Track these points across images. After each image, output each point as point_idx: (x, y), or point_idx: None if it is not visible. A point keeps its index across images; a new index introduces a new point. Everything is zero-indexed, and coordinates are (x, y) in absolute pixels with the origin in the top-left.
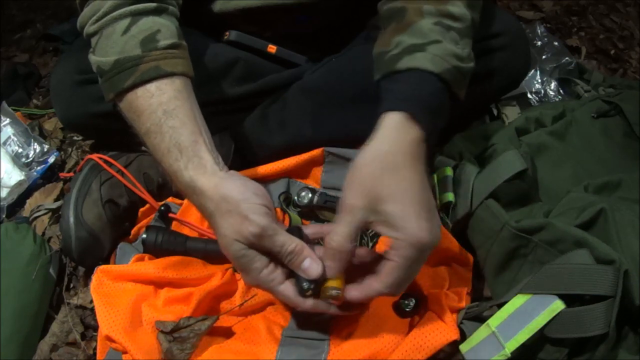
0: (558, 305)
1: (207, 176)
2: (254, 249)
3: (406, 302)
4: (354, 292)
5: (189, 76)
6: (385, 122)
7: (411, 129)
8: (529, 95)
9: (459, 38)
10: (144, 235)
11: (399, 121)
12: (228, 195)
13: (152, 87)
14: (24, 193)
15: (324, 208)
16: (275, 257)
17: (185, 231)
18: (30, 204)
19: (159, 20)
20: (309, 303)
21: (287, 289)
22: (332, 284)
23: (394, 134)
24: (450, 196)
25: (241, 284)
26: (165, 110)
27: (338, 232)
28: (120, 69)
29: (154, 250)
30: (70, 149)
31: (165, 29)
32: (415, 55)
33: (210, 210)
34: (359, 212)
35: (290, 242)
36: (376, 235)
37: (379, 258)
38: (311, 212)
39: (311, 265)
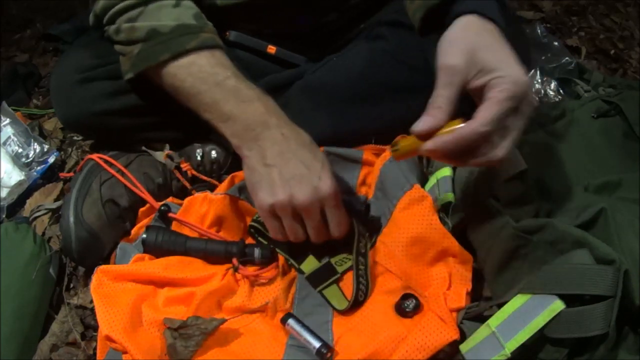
0: (558, 305)
1: None
2: None
3: (406, 302)
4: (446, 137)
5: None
6: (459, 20)
7: (490, 24)
8: None
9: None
10: (144, 235)
11: (473, 18)
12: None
13: (217, 52)
14: (24, 193)
15: None
16: None
17: (185, 231)
18: (30, 204)
19: (196, 6)
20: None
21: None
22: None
23: (474, 20)
24: (450, 196)
25: (242, 285)
26: (233, 69)
27: (440, 94)
28: (182, 32)
29: (154, 250)
30: (70, 149)
31: (202, 13)
32: None
33: (306, 137)
34: (458, 70)
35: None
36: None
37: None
38: None
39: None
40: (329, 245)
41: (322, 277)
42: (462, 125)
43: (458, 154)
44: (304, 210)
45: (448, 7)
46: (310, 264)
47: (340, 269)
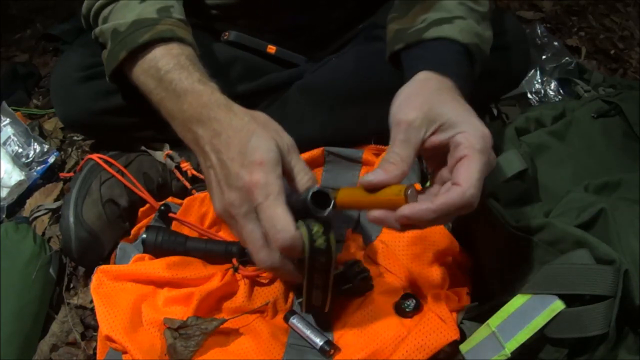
0: (558, 305)
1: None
2: None
3: (406, 302)
4: (426, 204)
5: (196, 51)
6: (418, 75)
7: (448, 80)
8: (529, 95)
9: (481, 20)
10: (144, 235)
11: (431, 75)
12: (259, 114)
13: (172, 44)
14: (24, 193)
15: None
16: None
17: (185, 231)
18: (30, 204)
19: (171, 0)
20: (295, 232)
21: (286, 208)
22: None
23: (429, 79)
24: None
25: (242, 285)
26: (188, 56)
27: (396, 152)
28: (137, 27)
29: (154, 250)
30: (70, 149)
31: (177, 7)
32: (443, 27)
33: (242, 116)
34: (416, 127)
35: (308, 171)
36: (364, 272)
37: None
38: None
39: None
40: None
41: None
42: (444, 192)
43: (432, 221)
44: (237, 216)
45: (409, 54)
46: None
47: None
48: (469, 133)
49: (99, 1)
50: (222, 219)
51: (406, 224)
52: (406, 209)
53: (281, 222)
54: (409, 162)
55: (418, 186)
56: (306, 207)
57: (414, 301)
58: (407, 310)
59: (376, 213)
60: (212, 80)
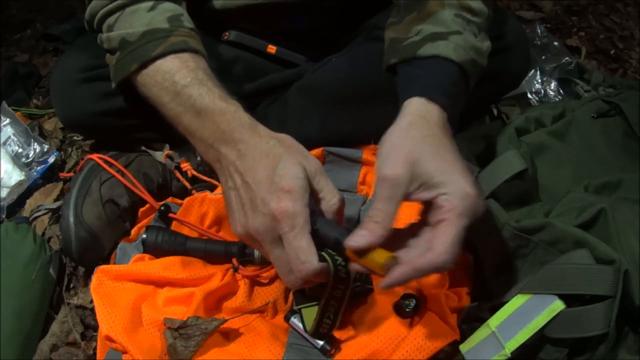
0: (558, 305)
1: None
2: None
3: (406, 302)
4: (400, 268)
5: (209, 63)
6: (410, 106)
7: (437, 111)
8: (529, 95)
9: (478, 32)
10: (144, 235)
11: (424, 104)
12: (285, 137)
13: (185, 55)
14: (24, 193)
15: None
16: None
17: (185, 231)
18: (30, 204)
19: (179, 7)
20: (317, 266)
21: (311, 239)
22: (378, 256)
23: (422, 113)
24: None
25: (242, 285)
26: (204, 70)
27: (379, 209)
28: (149, 39)
29: (154, 250)
30: (70, 149)
31: (186, 15)
32: (438, 43)
33: (267, 139)
34: (400, 183)
35: (337, 193)
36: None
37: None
38: None
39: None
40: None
41: (307, 297)
42: (417, 256)
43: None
44: (263, 241)
45: (403, 71)
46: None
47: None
48: (451, 195)
49: (105, 7)
50: (242, 239)
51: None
52: (385, 282)
53: (305, 254)
54: (392, 218)
55: None
56: (328, 239)
57: (414, 301)
58: (407, 310)
59: (386, 283)
60: (232, 97)
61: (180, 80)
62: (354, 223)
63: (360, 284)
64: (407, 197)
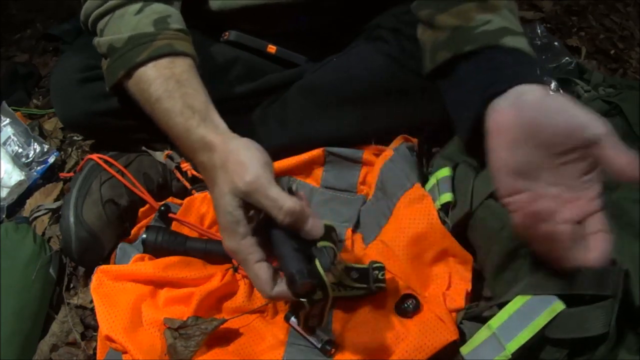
0: (558, 305)
1: (218, 133)
2: (245, 209)
3: (406, 302)
4: None
5: (196, 61)
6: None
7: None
8: None
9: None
10: (144, 235)
11: (534, 89)
12: (234, 147)
13: (164, 61)
14: (24, 193)
15: None
16: (262, 235)
17: (185, 231)
18: (30, 204)
19: (169, 7)
20: (276, 290)
21: (262, 268)
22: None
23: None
24: (449, 196)
25: (242, 285)
26: (178, 80)
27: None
28: (134, 44)
29: (154, 250)
30: (70, 149)
31: (175, 15)
32: (518, 38)
33: (216, 164)
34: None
35: (286, 200)
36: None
37: None
38: None
39: (314, 224)
40: None
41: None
42: None
43: None
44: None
45: (487, 58)
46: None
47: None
48: None
49: (95, 10)
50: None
51: None
52: None
53: (259, 284)
54: None
55: None
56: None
57: (414, 301)
58: (407, 310)
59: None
60: (190, 106)
61: (154, 93)
62: (355, 221)
63: (368, 287)
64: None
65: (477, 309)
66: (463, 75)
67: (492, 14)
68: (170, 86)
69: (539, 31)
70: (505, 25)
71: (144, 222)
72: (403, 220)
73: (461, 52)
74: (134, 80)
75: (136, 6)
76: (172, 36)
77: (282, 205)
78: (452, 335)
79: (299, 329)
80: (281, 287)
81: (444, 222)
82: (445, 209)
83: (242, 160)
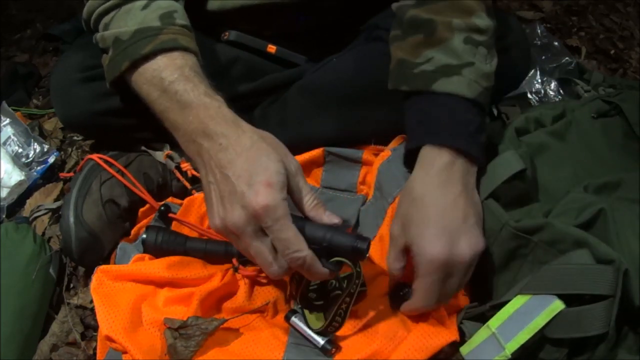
0: (558, 305)
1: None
2: None
3: (402, 290)
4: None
5: (199, 59)
6: (428, 156)
7: (446, 156)
8: (529, 95)
9: (487, 52)
10: (144, 235)
11: (435, 154)
12: (268, 135)
13: (172, 54)
14: (24, 193)
15: None
16: None
17: (185, 231)
18: (30, 204)
19: (174, 3)
20: (309, 252)
21: (296, 229)
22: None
23: (442, 166)
24: None
25: (242, 285)
26: (192, 67)
27: (390, 255)
28: (140, 37)
29: (154, 250)
30: (70, 149)
31: (180, 11)
32: (452, 80)
33: (250, 141)
34: (397, 239)
35: (313, 193)
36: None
37: None
38: None
39: (333, 215)
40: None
41: (310, 299)
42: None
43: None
44: (242, 234)
45: (417, 104)
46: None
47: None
48: (420, 257)
49: (100, 6)
50: (219, 233)
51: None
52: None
53: (294, 244)
54: (397, 261)
55: None
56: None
57: (409, 290)
58: (403, 298)
59: None
60: (218, 93)
61: (167, 76)
62: (355, 221)
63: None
64: (408, 250)
65: (477, 309)
66: (403, 107)
67: (434, 50)
68: (187, 72)
69: (539, 31)
70: (443, 64)
71: (144, 222)
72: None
73: (397, 87)
74: (139, 70)
75: (142, 2)
76: (177, 31)
77: (313, 193)
78: (452, 336)
79: (299, 328)
80: (310, 252)
81: None
82: None
83: (284, 149)
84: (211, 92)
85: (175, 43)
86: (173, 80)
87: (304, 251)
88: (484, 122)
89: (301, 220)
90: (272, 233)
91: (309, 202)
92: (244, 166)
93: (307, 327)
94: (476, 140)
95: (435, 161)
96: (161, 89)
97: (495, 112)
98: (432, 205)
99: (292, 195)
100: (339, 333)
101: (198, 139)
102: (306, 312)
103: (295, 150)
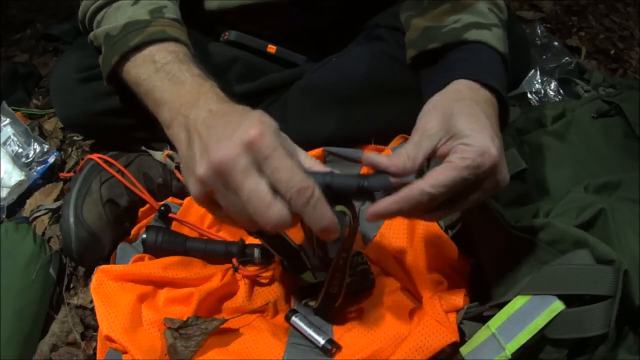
0: (558, 305)
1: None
2: None
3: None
4: (387, 198)
5: (190, 50)
6: (457, 85)
7: (487, 94)
8: (529, 95)
9: (505, 30)
10: (144, 235)
11: (471, 85)
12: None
13: (163, 45)
14: (24, 193)
15: None
16: None
17: (185, 231)
18: (30, 204)
19: (165, 0)
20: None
21: (299, 163)
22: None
23: (470, 93)
24: None
25: (242, 285)
26: (185, 54)
27: (406, 149)
28: (129, 30)
29: (154, 250)
30: (70, 149)
31: (171, 7)
32: (482, 32)
33: (240, 108)
34: (430, 135)
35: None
36: (364, 263)
37: None
38: None
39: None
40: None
41: (311, 293)
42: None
43: (397, 213)
44: (232, 172)
45: (449, 55)
46: (308, 276)
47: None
48: (469, 146)
49: (92, 5)
50: (200, 193)
51: (376, 218)
52: (371, 210)
53: (299, 174)
54: (414, 162)
55: None
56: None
57: (362, 257)
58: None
59: (374, 209)
60: (211, 78)
61: (161, 59)
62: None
63: (354, 275)
64: (435, 151)
65: (477, 309)
66: (427, 72)
67: (461, 13)
68: (181, 57)
69: (539, 31)
70: (472, 21)
71: (144, 222)
72: (399, 221)
73: (425, 49)
74: (130, 60)
75: None
76: (166, 24)
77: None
78: (452, 336)
79: (300, 328)
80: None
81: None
82: None
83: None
84: (205, 75)
85: (164, 34)
86: (167, 61)
87: (310, 183)
88: (507, 83)
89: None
90: (271, 164)
91: (303, 158)
92: (234, 119)
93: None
94: (504, 89)
95: (481, 92)
96: (153, 70)
97: None
98: (482, 112)
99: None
100: (339, 333)
101: (186, 111)
102: (306, 273)
103: None
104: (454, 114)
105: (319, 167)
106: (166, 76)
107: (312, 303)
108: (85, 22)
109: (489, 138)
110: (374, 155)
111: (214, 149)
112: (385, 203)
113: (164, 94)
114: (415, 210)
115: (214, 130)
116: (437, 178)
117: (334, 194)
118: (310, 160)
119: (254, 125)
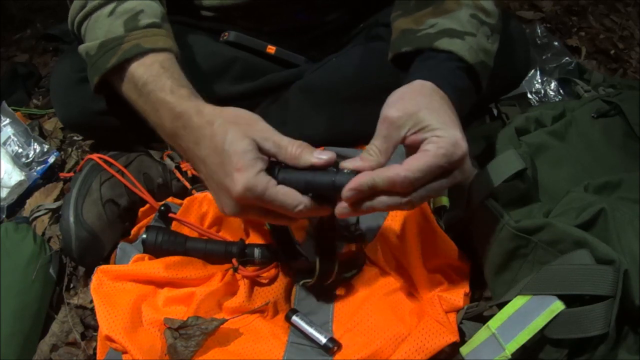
0: (558, 306)
1: (209, 104)
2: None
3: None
4: (360, 175)
5: (172, 51)
6: (416, 83)
7: (443, 93)
8: (529, 95)
9: (490, 33)
10: (144, 235)
11: (430, 85)
12: (233, 111)
13: (140, 60)
14: (24, 193)
15: None
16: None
17: (185, 231)
18: (30, 204)
19: (143, 2)
20: (305, 200)
21: (284, 188)
22: None
23: (429, 86)
24: (444, 200)
25: (242, 285)
26: (161, 63)
27: (375, 145)
28: (104, 50)
29: (154, 250)
30: (70, 149)
31: (148, 8)
32: (454, 40)
33: (212, 128)
34: (398, 125)
35: (294, 142)
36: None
37: None
38: None
39: (323, 152)
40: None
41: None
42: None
43: (369, 195)
44: (249, 215)
45: (419, 59)
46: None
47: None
48: (443, 138)
49: (76, 17)
50: (240, 217)
51: (354, 199)
52: (345, 190)
53: (289, 202)
54: (386, 155)
55: None
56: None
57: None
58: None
59: (351, 184)
60: (182, 86)
61: (139, 80)
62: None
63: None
64: (403, 140)
65: (477, 309)
66: (404, 74)
67: (439, 18)
68: (155, 70)
69: (539, 31)
70: (447, 28)
71: (144, 222)
72: (399, 221)
73: (398, 51)
74: (116, 81)
75: (110, 7)
76: (139, 35)
77: (294, 142)
78: (452, 336)
79: (300, 327)
80: (306, 198)
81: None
82: (438, 212)
83: (252, 117)
84: (176, 86)
85: (138, 49)
86: (144, 81)
87: (301, 203)
88: (472, 96)
89: (287, 172)
90: (265, 205)
91: (293, 151)
92: (215, 160)
93: (332, 310)
94: (464, 100)
95: (439, 92)
96: (137, 92)
97: (495, 112)
98: (444, 104)
99: (275, 156)
100: (339, 333)
101: (176, 141)
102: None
103: None
104: (421, 107)
105: (308, 155)
106: (147, 99)
107: (308, 280)
108: (74, 33)
109: (459, 131)
110: (348, 162)
111: (225, 203)
112: (359, 179)
113: (154, 121)
114: (390, 192)
115: (213, 174)
116: (414, 164)
117: (315, 189)
118: (295, 150)
119: (236, 180)
